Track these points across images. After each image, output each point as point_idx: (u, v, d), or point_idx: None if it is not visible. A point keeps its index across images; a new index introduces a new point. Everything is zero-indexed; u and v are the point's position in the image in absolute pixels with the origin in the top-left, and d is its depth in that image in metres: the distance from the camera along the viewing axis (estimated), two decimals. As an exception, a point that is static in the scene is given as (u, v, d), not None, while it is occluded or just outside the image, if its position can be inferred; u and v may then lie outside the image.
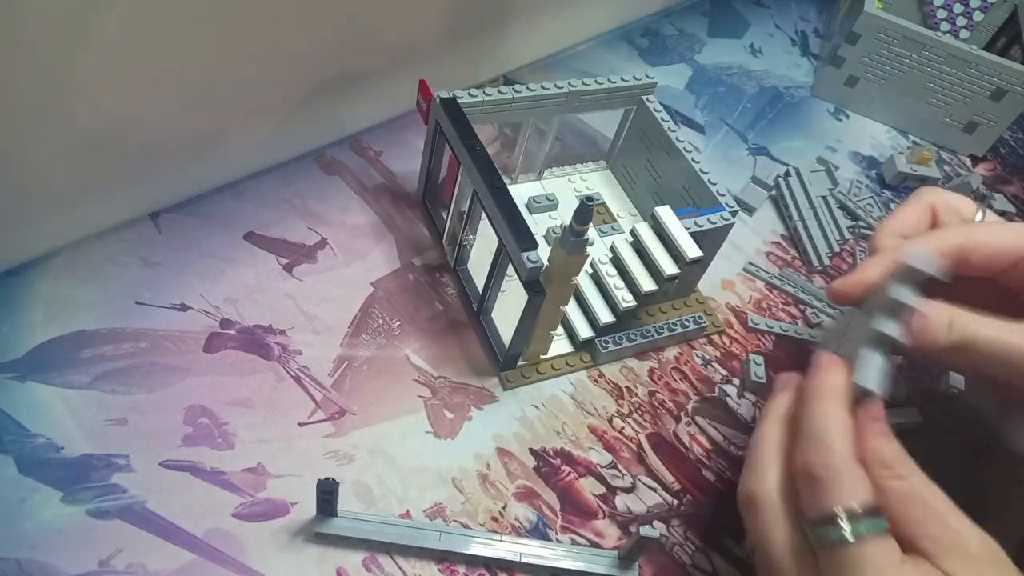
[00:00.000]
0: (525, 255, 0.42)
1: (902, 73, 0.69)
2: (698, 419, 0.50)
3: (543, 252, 0.43)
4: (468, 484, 0.44)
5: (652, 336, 0.52)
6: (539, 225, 0.56)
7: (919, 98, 0.71)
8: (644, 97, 0.56)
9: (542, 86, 0.53)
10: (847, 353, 0.39)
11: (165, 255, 0.49)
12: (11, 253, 0.47)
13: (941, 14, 0.72)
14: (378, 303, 0.51)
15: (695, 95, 0.70)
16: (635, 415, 0.50)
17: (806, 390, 0.38)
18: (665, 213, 0.49)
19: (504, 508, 0.44)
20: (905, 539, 0.34)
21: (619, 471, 0.47)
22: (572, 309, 0.50)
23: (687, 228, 0.49)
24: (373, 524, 0.41)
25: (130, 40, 0.42)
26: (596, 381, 0.51)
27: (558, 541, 0.43)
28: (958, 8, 0.71)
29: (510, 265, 0.45)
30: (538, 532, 0.44)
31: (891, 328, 0.38)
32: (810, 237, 0.62)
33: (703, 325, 0.53)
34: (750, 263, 0.60)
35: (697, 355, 0.54)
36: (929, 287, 0.39)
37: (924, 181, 0.68)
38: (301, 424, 0.45)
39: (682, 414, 0.50)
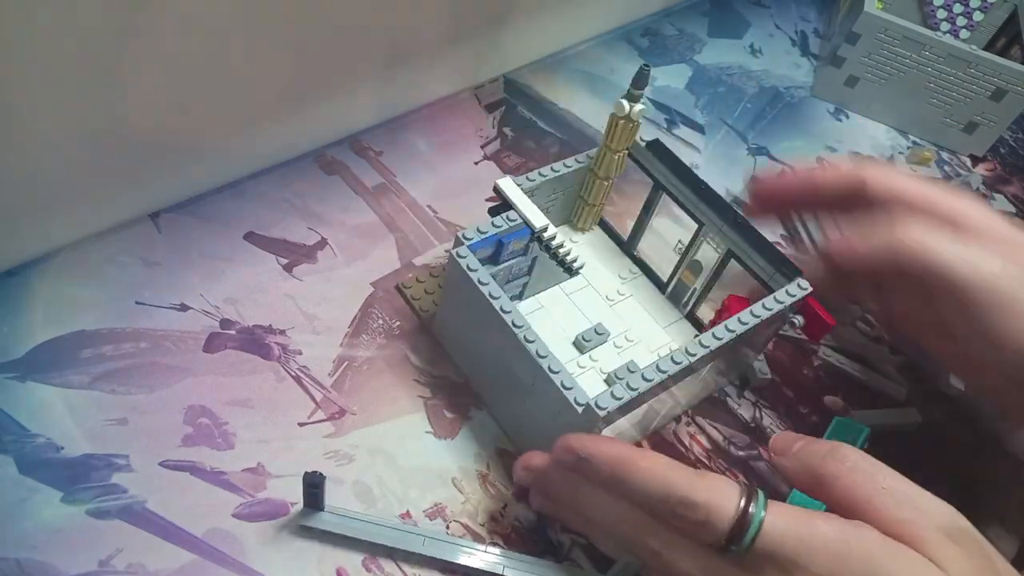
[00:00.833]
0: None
1: (902, 73, 0.69)
2: (698, 419, 0.50)
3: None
4: (468, 484, 0.44)
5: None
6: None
7: (919, 98, 0.71)
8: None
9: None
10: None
11: (165, 255, 0.49)
12: (11, 253, 0.47)
13: (941, 14, 0.72)
14: (378, 303, 0.51)
15: (695, 95, 0.70)
16: (635, 415, 0.50)
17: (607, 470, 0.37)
18: (507, 184, 0.46)
19: (504, 508, 0.44)
20: (858, 512, 0.34)
21: (619, 471, 0.47)
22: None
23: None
24: (359, 522, 0.41)
25: (130, 40, 0.42)
26: (596, 381, 0.51)
27: (558, 542, 0.43)
28: (958, 8, 0.71)
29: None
30: (538, 533, 0.44)
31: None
32: (810, 237, 0.62)
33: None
34: (750, 263, 0.59)
35: (697, 355, 0.54)
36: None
37: (924, 181, 0.68)
38: (301, 424, 0.45)
39: (682, 414, 0.50)
